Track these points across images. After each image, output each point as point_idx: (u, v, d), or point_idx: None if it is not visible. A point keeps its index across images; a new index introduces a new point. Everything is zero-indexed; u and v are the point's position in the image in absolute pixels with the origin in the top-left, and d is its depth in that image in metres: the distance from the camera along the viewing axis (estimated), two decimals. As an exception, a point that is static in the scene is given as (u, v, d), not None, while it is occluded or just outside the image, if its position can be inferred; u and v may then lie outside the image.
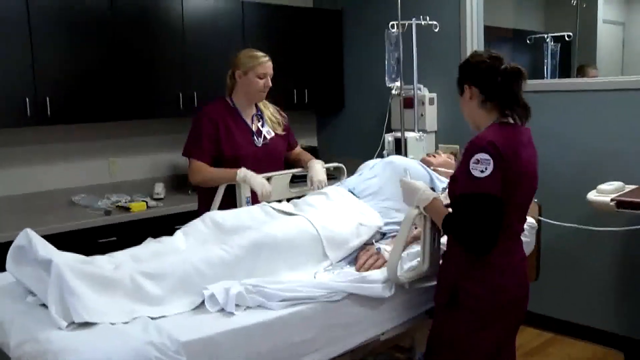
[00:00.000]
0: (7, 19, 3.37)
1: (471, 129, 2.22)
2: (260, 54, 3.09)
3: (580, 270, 3.80)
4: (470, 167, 1.97)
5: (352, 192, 2.83)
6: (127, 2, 3.83)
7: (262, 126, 3.16)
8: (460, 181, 2.05)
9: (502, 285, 2.10)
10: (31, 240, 1.98)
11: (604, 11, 4.33)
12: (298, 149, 3.41)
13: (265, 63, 3.07)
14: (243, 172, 2.92)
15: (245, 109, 3.14)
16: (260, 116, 3.18)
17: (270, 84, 3.11)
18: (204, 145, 3.02)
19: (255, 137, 3.12)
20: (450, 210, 2.15)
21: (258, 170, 2.98)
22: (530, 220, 2.80)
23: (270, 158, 3.13)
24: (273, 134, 3.18)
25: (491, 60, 2.11)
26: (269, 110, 3.24)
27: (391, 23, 4.01)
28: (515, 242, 2.19)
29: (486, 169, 1.95)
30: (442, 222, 2.11)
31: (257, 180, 2.91)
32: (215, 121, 3.04)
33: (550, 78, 4.29)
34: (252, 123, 3.15)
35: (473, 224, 2.00)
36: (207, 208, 2.84)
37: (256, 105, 3.19)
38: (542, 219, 2.97)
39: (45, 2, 3.49)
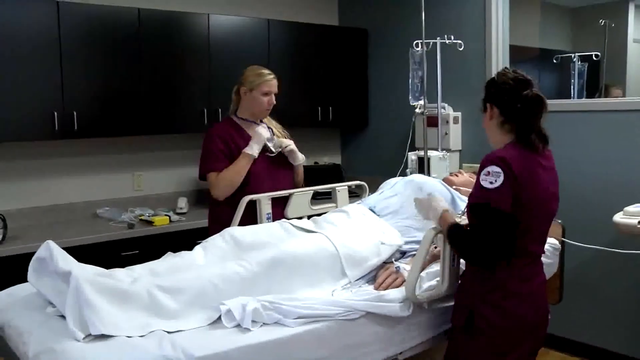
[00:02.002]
0: (39, 35, 3.45)
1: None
2: (266, 71, 3.08)
3: (606, 294, 3.72)
4: (481, 179, 1.99)
5: (372, 211, 2.82)
6: (154, 18, 3.90)
7: (269, 140, 3.08)
8: (472, 194, 2.07)
9: (520, 313, 2.07)
10: (52, 252, 2.01)
11: (634, 30, 4.27)
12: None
13: (270, 81, 3.06)
14: (249, 150, 2.97)
15: (250, 125, 3.11)
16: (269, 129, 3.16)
17: (274, 102, 3.10)
18: (219, 158, 3.01)
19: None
20: (455, 220, 2.15)
21: (270, 182, 3.02)
22: (553, 241, 2.76)
23: (281, 168, 3.12)
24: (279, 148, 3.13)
25: (515, 83, 2.09)
26: (272, 124, 3.23)
27: (415, 42, 4.01)
28: (534, 266, 2.16)
29: (496, 181, 1.96)
30: (447, 231, 2.12)
31: (260, 137, 2.98)
32: (225, 139, 3.04)
33: (577, 98, 4.24)
34: None
35: (476, 234, 2.00)
36: (220, 226, 2.76)
37: (261, 121, 3.18)
38: (566, 240, 2.92)
39: (75, 20, 3.57)
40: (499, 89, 2.12)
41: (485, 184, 1.97)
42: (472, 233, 2.03)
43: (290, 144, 3.12)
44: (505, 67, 2.24)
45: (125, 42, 3.78)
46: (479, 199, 2.00)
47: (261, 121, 3.18)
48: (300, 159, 3.17)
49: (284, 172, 3.14)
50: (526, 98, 2.06)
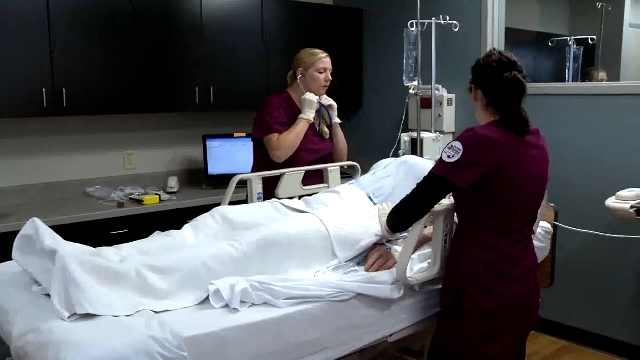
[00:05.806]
0: (27, 10, 3.38)
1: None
2: (318, 50, 3.27)
3: (598, 278, 3.73)
4: (443, 150, 2.03)
5: (364, 191, 2.79)
6: (146, -5, 3.84)
7: (319, 124, 3.32)
8: None
9: (511, 296, 2.06)
10: (38, 230, 1.97)
11: (630, 15, 4.24)
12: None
13: (324, 58, 3.25)
14: (304, 115, 3.15)
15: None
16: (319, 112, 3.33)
17: (330, 78, 3.27)
18: (280, 122, 3.14)
19: (315, 131, 3.28)
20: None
21: (312, 161, 3.21)
22: (545, 224, 2.75)
23: (324, 152, 3.31)
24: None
25: (498, 65, 2.08)
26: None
27: (410, 22, 3.96)
28: (524, 248, 2.14)
29: (453, 156, 1.99)
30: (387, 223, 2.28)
31: (311, 102, 3.16)
32: (283, 106, 3.21)
33: (572, 81, 4.21)
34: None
35: (408, 197, 2.11)
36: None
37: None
38: (558, 224, 2.91)
39: (64, -7, 3.51)
40: (482, 70, 2.12)
41: (444, 156, 2.02)
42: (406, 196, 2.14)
43: (331, 100, 3.34)
44: (493, 49, 2.24)
45: (116, 18, 3.72)
46: (433, 169, 2.07)
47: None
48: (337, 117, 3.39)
49: (325, 153, 3.34)
50: (505, 81, 2.05)
